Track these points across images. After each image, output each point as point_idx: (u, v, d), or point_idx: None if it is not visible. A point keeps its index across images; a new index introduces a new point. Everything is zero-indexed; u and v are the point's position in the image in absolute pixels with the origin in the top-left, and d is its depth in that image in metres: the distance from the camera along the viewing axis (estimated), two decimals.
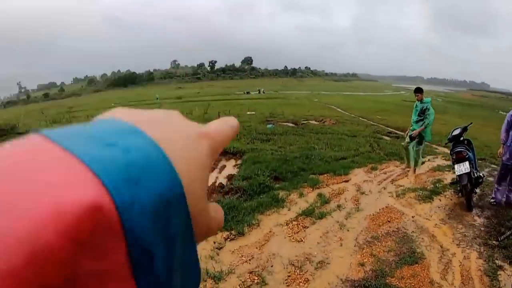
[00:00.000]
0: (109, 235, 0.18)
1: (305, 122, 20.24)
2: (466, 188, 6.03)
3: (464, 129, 6.87)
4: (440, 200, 6.61)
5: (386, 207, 6.17)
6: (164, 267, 0.21)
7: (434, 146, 14.63)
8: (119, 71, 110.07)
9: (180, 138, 0.25)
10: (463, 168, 6.08)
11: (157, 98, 47.88)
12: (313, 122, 20.73)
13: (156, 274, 0.20)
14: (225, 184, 7.53)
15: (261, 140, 12.42)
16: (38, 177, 0.16)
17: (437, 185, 7.50)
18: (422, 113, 8.07)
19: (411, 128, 8.38)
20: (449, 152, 7.43)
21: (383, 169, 8.84)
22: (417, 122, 8.18)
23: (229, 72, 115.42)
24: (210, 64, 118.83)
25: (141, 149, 0.21)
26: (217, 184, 7.57)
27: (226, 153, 9.91)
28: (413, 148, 8.40)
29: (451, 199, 6.65)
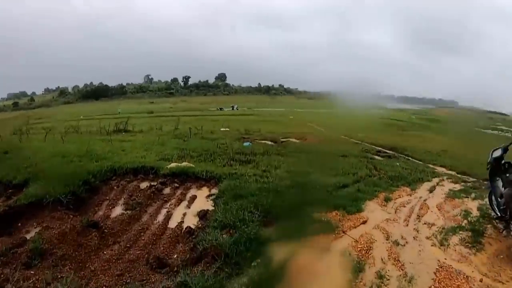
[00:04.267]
0: None
1: (284, 140, 18.36)
2: None
3: (505, 150, 5.95)
4: (491, 244, 5.22)
5: (441, 267, 4.58)
6: None
7: (430, 165, 13.21)
8: (91, 83, 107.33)
9: None
10: None
11: (119, 112, 45.80)
12: (294, 140, 18.87)
13: None
14: (195, 227, 5.43)
15: (239, 161, 10.21)
16: None
17: (469, 219, 6.18)
18: None
19: None
20: (488, 177, 6.31)
21: (397, 199, 7.37)
22: None
23: (202, 88, 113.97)
24: (184, 80, 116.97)
25: None
26: (184, 229, 5.43)
27: (198, 179, 7.81)
28: None
29: (500, 241, 5.35)
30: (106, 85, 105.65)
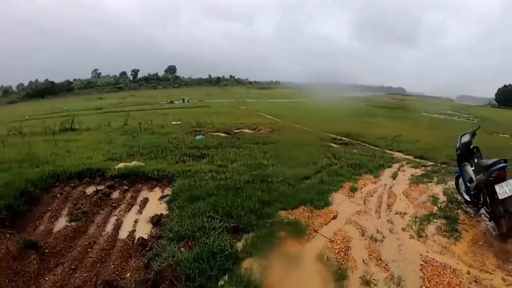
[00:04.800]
0: None
1: (238, 131, 17.85)
2: (511, 215, 4.58)
3: (473, 135, 6.08)
4: (467, 231, 5.13)
5: (425, 262, 4.29)
6: None
7: (388, 151, 13.17)
8: (37, 80, 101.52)
9: None
10: (507, 189, 4.70)
11: (66, 110, 43.73)
12: (247, 130, 18.38)
13: None
14: (148, 236, 4.75)
15: (193, 156, 9.52)
16: None
17: (439, 205, 6.09)
18: None
19: None
20: (456, 162, 6.29)
21: (363, 188, 7.11)
22: None
23: (152, 81, 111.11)
24: (133, 73, 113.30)
25: None
26: (136, 240, 4.73)
27: (149, 179, 7.07)
28: None
29: (474, 226, 5.31)
30: (52, 82, 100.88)
